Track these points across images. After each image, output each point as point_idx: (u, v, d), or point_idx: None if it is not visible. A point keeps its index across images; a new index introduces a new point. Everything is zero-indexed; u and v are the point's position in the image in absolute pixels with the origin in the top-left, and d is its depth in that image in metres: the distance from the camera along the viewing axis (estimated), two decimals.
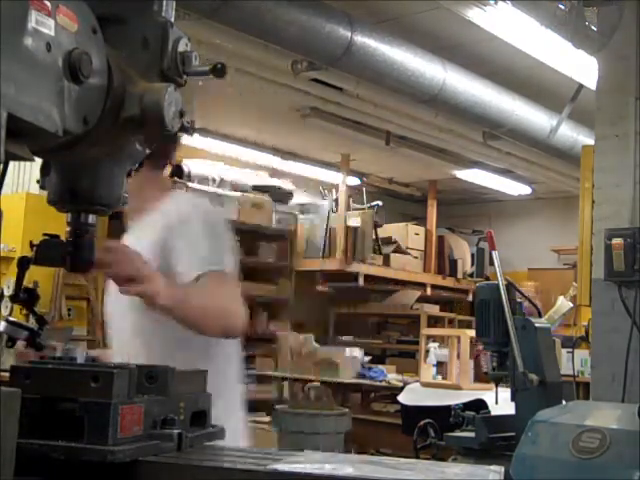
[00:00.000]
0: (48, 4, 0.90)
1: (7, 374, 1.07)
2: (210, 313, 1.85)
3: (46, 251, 1.28)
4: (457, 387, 5.84)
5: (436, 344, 6.47)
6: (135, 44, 1.09)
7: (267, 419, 5.88)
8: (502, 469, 1.06)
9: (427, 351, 6.49)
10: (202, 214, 2.05)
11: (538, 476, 1.16)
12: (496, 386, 3.85)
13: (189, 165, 7.14)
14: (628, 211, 3.94)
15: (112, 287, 1.89)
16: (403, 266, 8.71)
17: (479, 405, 5.42)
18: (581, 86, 5.43)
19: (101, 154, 1.11)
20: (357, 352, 7.37)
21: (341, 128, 6.91)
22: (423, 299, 8.85)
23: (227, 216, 2.30)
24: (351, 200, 8.46)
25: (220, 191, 7.28)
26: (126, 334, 2.02)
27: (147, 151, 1.17)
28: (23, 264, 1.61)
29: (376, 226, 8.49)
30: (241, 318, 1.89)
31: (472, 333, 5.27)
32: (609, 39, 3.87)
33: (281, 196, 7.97)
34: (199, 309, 1.83)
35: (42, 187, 1.16)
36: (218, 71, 1.15)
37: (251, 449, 1.46)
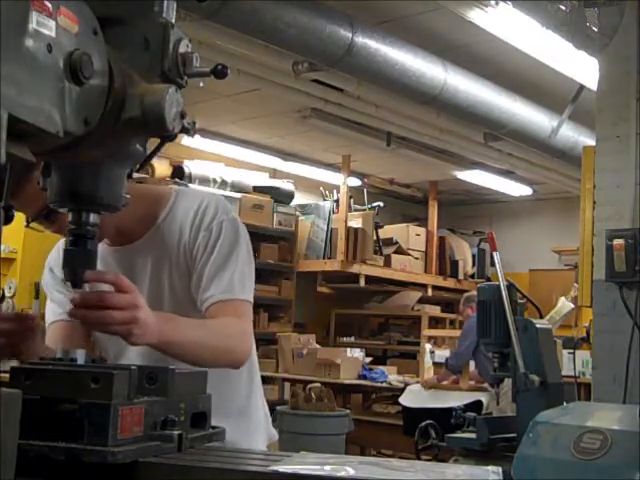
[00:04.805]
0: (49, 5, 0.90)
1: (7, 375, 1.07)
2: (207, 351, 1.60)
3: None
4: (458, 388, 5.83)
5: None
6: (136, 45, 1.09)
7: None
8: (500, 469, 1.06)
9: (432, 352, 6.49)
10: (229, 224, 1.70)
11: (539, 477, 1.16)
12: (497, 387, 3.85)
13: (190, 166, 7.15)
14: (629, 212, 3.94)
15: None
16: (404, 267, 8.71)
17: (480, 406, 5.45)
18: (582, 87, 5.43)
19: (102, 155, 1.11)
20: (358, 353, 7.36)
21: (342, 129, 6.91)
22: (424, 300, 8.85)
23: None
24: (352, 201, 8.46)
25: (221, 192, 7.28)
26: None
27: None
28: None
29: (377, 227, 8.49)
30: (243, 353, 1.69)
31: None
32: (610, 40, 3.87)
33: (282, 197, 7.97)
34: (195, 346, 1.57)
35: (43, 188, 1.17)
36: (219, 72, 1.15)
37: (251, 450, 1.46)
